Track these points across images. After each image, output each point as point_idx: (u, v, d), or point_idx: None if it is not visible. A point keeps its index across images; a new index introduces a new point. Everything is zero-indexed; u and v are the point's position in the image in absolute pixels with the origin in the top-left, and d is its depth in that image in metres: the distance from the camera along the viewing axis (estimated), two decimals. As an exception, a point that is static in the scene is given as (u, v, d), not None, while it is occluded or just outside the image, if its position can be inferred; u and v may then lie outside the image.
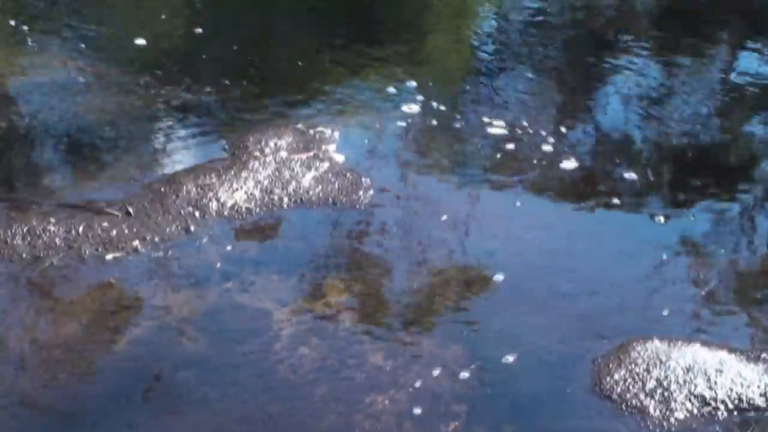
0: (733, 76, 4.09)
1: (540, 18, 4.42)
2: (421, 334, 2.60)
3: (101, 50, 4.01)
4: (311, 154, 3.34)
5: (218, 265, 2.80)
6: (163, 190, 3.09)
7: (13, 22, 4.19)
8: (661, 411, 2.36)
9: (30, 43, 4.03)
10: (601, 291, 2.78)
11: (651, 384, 2.44)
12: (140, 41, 4.05)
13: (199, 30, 4.17)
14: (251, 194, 3.11)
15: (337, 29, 4.28)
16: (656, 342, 2.57)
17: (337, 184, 3.20)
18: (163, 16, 4.36)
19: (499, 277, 2.79)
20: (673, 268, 2.90)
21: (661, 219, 3.11)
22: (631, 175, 3.32)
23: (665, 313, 2.68)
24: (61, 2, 4.42)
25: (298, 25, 4.33)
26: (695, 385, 2.43)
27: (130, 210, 3.00)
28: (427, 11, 4.58)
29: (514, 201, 3.18)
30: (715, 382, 2.44)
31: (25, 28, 4.14)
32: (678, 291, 2.81)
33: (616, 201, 3.19)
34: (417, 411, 2.31)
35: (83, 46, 4.03)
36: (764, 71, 4.10)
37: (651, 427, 2.32)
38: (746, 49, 4.30)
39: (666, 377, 2.46)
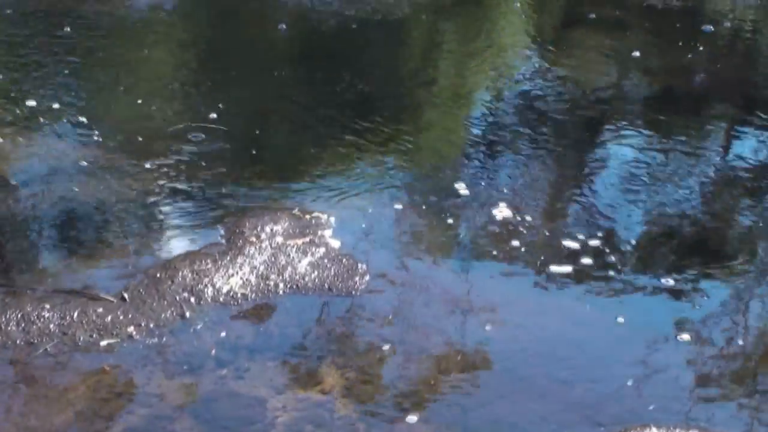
0: (727, 159, 4.11)
1: (536, 102, 4.45)
2: (418, 421, 2.58)
3: (103, 133, 4.02)
4: (307, 239, 3.34)
5: (213, 351, 2.78)
6: (158, 275, 3.08)
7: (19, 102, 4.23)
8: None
9: (34, 124, 4.05)
10: (598, 378, 2.77)
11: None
12: (141, 122, 4.08)
13: (214, 115, 4.17)
14: (247, 280, 3.11)
15: (333, 107, 4.30)
16: (653, 430, 2.55)
17: (333, 269, 3.19)
18: (154, 107, 4.38)
19: (496, 364, 2.78)
20: (670, 353, 2.89)
21: (659, 297, 3.11)
22: (626, 258, 3.32)
23: (661, 401, 2.67)
24: (66, 85, 4.44)
25: (295, 102, 4.35)
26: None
27: (125, 296, 2.99)
28: (425, 91, 4.61)
29: (510, 286, 3.18)
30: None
31: (33, 103, 4.17)
32: (674, 377, 2.79)
33: (612, 284, 3.19)
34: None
35: (85, 127, 4.04)
36: (760, 155, 4.13)
37: None
38: (741, 133, 4.32)
39: (664, 466, 2.44)
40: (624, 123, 4.29)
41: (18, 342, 2.77)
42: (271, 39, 5.01)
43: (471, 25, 5.31)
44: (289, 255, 3.23)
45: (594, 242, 3.42)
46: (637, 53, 4.87)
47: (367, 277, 3.15)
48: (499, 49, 5.03)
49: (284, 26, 5.03)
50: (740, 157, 4.07)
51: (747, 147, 4.18)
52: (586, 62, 4.81)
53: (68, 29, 4.86)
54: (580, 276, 3.25)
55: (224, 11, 5.28)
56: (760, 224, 3.66)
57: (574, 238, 3.42)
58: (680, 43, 5.02)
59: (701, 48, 5.02)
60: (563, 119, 4.30)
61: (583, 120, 4.33)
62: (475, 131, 4.28)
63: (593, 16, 5.38)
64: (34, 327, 2.82)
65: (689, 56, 4.93)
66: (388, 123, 4.19)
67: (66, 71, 4.47)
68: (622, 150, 4.08)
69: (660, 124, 4.30)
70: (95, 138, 3.95)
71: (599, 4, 5.47)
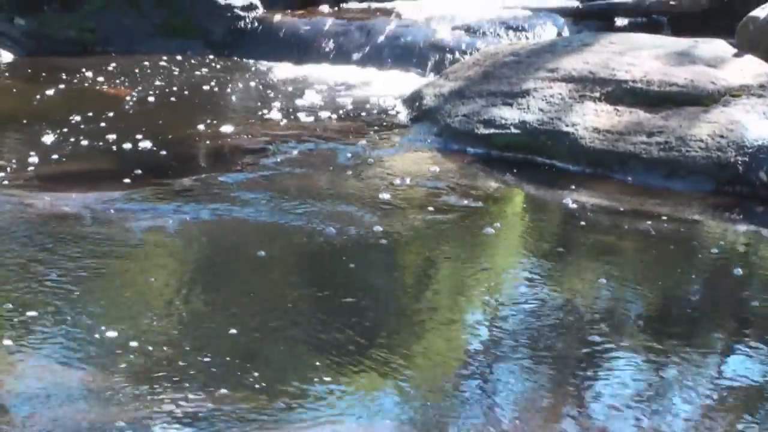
0: (725, 375, 4.04)
1: (531, 319, 4.42)
2: None
3: (95, 353, 3.98)
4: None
5: None
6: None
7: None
8: None
9: (24, 341, 4.01)
10: None
11: None
12: (133, 343, 4.03)
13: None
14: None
15: (323, 327, 4.26)
16: None
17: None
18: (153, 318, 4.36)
19: None
20: None
21: None
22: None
23: None
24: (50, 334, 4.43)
25: (291, 321, 4.32)
26: None
27: None
28: (421, 304, 4.58)
29: None
30: None
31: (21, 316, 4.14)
32: None
33: None
34: None
35: (77, 349, 4.00)
36: (756, 374, 4.06)
37: None
38: (739, 351, 4.27)
39: None
40: (620, 337, 4.25)
41: None
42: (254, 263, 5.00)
43: (463, 246, 5.34)
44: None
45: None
46: (632, 280, 4.88)
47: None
48: (494, 273, 5.04)
49: (259, 252, 5.01)
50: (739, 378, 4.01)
51: (744, 368, 4.12)
52: (582, 285, 4.80)
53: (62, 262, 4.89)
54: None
55: (224, 233, 5.35)
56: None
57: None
58: (678, 270, 5.04)
59: (695, 276, 5.05)
60: (562, 346, 4.25)
61: (582, 344, 4.27)
62: (474, 344, 4.22)
63: (590, 240, 5.43)
64: None
65: (685, 285, 4.94)
66: (386, 340, 4.15)
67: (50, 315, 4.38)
68: (621, 373, 4.03)
69: (656, 347, 4.24)
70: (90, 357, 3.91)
71: (595, 230, 5.52)
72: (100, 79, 8.72)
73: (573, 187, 6.11)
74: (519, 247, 5.36)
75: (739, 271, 4.91)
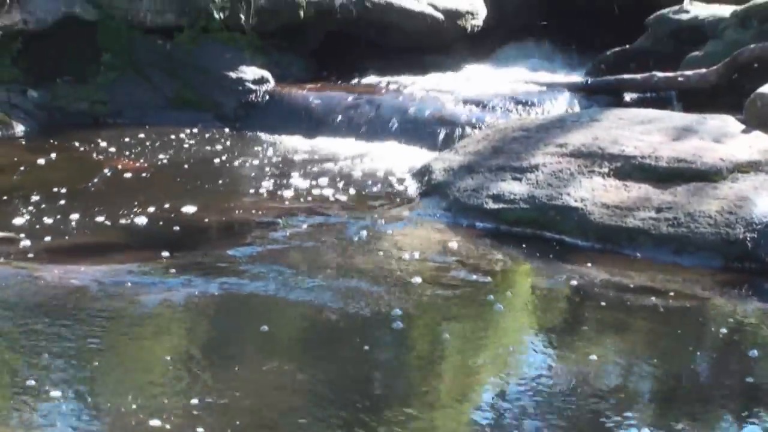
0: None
1: (541, 398, 4.38)
2: None
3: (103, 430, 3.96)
4: None
5: None
6: None
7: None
8: None
9: (33, 418, 3.99)
10: None
11: None
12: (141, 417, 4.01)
13: None
14: None
15: (331, 405, 4.24)
16: None
17: None
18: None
19: None
20: None
21: None
22: None
23: None
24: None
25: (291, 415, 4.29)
26: None
27: None
28: (429, 382, 4.56)
29: None
30: None
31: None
32: None
33: None
34: None
35: (86, 427, 3.98)
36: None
37: None
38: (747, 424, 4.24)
39: None
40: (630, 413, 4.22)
41: None
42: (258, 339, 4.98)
43: (473, 323, 5.33)
44: None
45: None
46: (642, 358, 4.86)
47: None
48: (503, 350, 5.01)
49: (266, 327, 5.01)
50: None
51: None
52: (591, 363, 4.77)
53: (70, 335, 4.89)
54: None
55: (232, 308, 5.35)
56: None
57: None
58: (690, 348, 5.01)
59: (705, 355, 5.02)
60: (572, 424, 4.22)
61: (592, 422, 4.24)
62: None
63: (599, 316, 5.41)
64: None
65: (694, 364, 4.91)
66: (387, 426, 4.12)
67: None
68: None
69: (667, 426, 4.20)
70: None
71: (604, 307, 5.50)
72: (112, 151, 8.79)
73: (582, 262, 6.10)
74: (528, 323, 5.34)
75: (749, 350, 4.88)
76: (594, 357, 4.78)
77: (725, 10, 10.16)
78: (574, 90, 9.85)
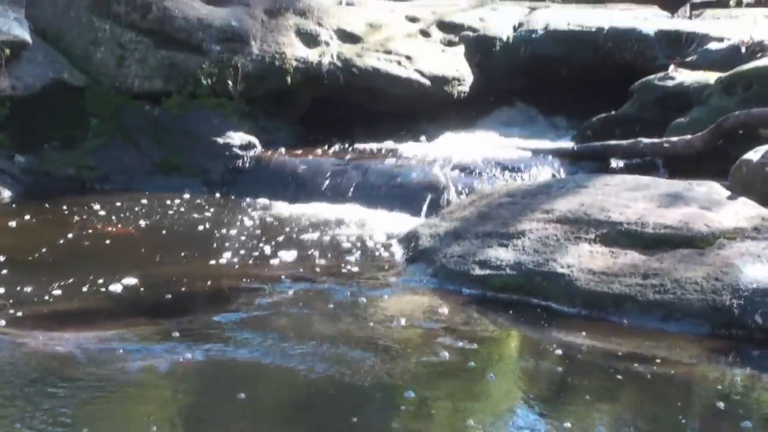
0: None
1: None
2: None
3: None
4: None
5: None
6: None
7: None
8: None
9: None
10: None
11: None
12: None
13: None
14: None
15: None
16: None
17: None
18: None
19: None
20: None
21: None
22: None
23: None
24: None
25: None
26: None
27: None
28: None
29: None
30: None
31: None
32: None
33: None
34: None
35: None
36: None
37: None
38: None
39: None
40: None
41: None
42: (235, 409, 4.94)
43: (459, 391, 5.28)
44: None
45: None
46: (629, 428, 4.82)
47: None
48: (490, 419, 4.97)
49: (244, 395, 4.95)
50: None
51: None
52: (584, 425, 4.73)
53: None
54: None
55: (217, 374, 5.30)
56: None
57: None
58: (679, 417, 4.98)
59: (693, 424, 4.99)
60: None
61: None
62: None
63: (586, 384, 5.37)
64: None
65: None
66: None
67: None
68: None
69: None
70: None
71: (590, 375, 5.47)
72: (98, 216, 8.78)
73: (568, 329, 6.08)
74: (514, 392, 5.30)
75: (739, 420, 4.85)
76: (581, 426, 4.73)
77: (710, 77, 10.28)
78: (560, 156, 9.92)
